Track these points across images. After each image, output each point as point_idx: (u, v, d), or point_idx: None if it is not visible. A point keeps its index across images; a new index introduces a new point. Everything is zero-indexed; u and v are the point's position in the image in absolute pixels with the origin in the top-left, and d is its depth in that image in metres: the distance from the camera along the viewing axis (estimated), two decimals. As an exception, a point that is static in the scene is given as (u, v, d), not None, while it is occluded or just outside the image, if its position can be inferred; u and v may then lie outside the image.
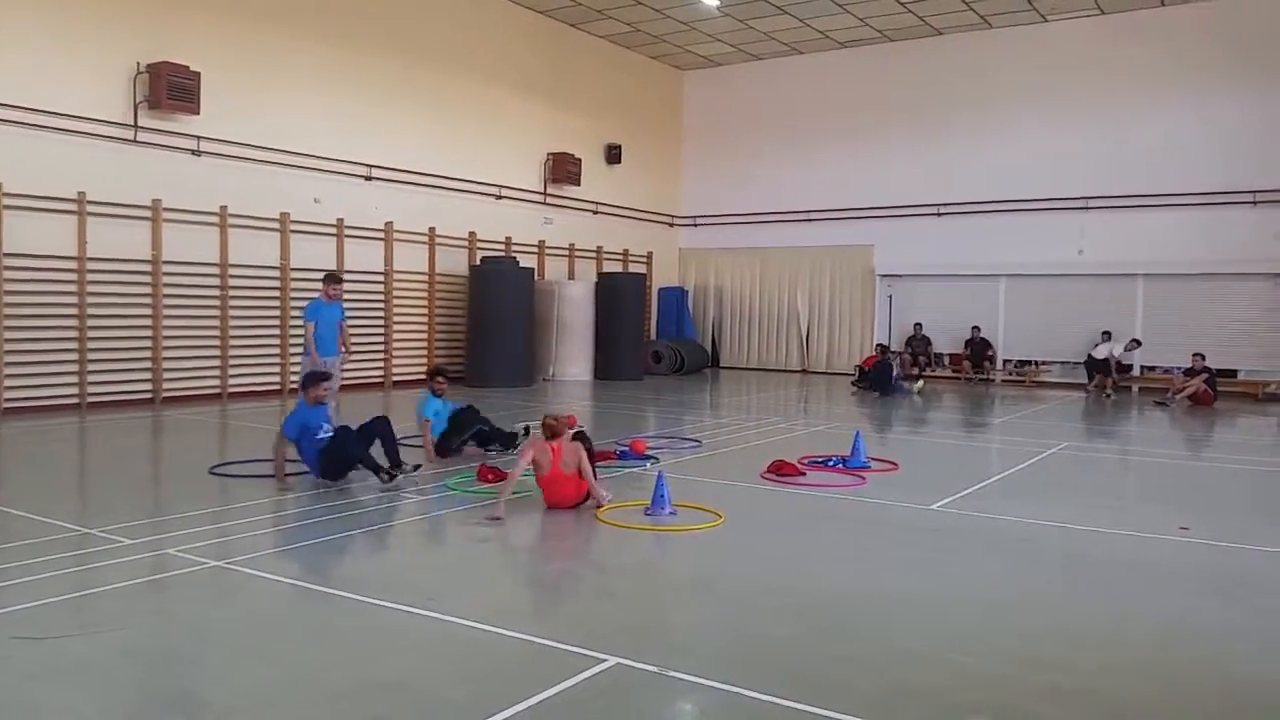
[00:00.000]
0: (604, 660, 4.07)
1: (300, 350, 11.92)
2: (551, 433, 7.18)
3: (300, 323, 12.32)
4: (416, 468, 8.20)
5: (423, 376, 17.33)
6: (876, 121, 21.44)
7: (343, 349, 11.48)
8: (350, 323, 15.86)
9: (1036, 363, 20.04)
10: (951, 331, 20.64)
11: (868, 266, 21.79)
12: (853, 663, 4.24)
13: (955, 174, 20.48)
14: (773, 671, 4.09)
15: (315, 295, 11.26)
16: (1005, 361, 20.22)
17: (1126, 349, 18.25)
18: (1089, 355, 18.54)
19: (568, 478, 7.07)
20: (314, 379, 8.35)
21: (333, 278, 11.46)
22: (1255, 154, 17.73)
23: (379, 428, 8.06)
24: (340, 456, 7.82)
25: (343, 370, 11.88)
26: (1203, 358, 16.67)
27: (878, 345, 20.74)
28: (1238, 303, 18.18)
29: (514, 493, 7.65)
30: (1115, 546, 6.45)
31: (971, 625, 4.76)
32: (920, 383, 18.28)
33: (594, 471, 7.29)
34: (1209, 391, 16.22)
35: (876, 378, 17.51)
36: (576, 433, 7.62)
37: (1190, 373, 16.67)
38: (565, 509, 7.07)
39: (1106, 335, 18.59)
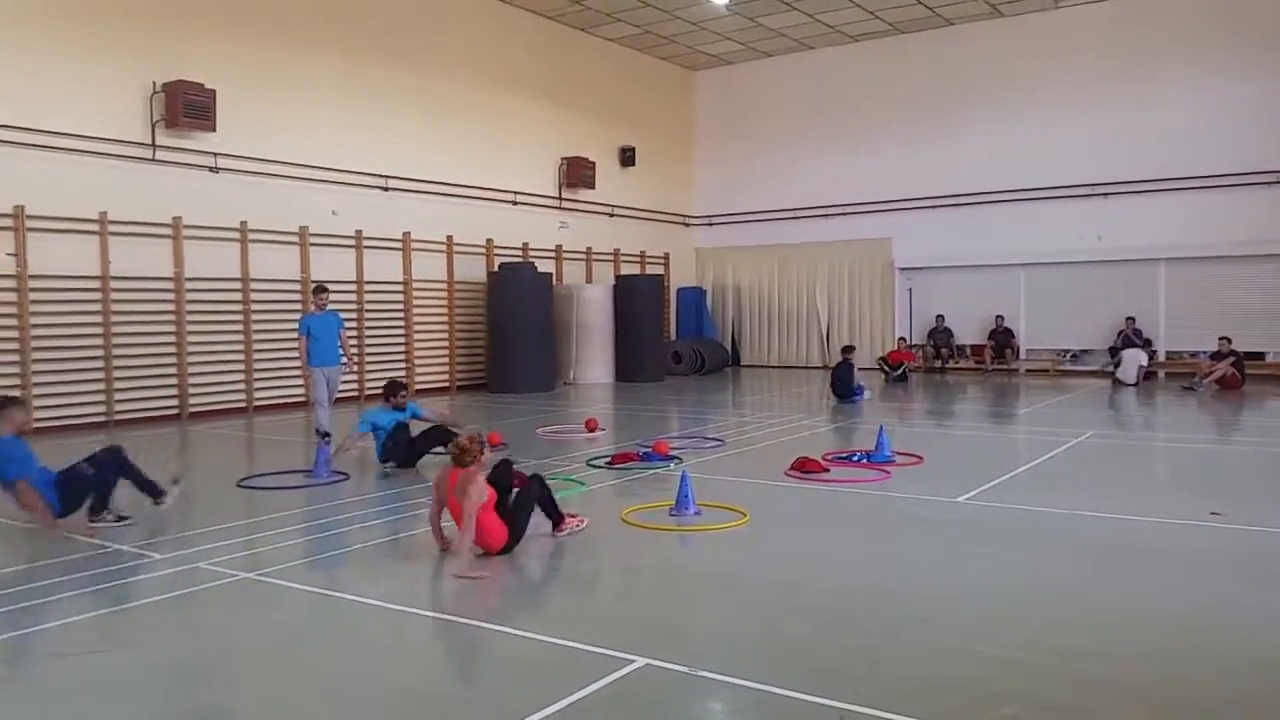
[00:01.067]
0: (633, 661, 4.08)
1: (270, 357, 12.09)
2: (456, 458, 5.91)
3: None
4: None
5: (445, 385, 17.53)
6: (890, 114, 21.35)
7: (344, 358, 11.54)
8: (371, 333, 16.19)
9: (1074, 353, 19.71)
10: (974, 322, 20.51)
11: (887, 260, 21.69)
12: (882, 657, 4.23)
13: (971, 164, 20.36)
14: (802, 668, 4.09)
15: (319, 309, 11.44)
16: (1062, 352, 19.83)
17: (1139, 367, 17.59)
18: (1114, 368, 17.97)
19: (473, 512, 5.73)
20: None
21: (319, 289, 11.54)
22: (1274, 133, 17.52)
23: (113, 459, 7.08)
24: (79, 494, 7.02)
25: (344, 379, 12.03)
26: (1229, 341, 16.50)
27: (901, 339, 20.70)
28: (1263, 284, 17.95)
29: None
30: (1145, 534, 6.39)
31: (1000, 616, 4.73)
32: (900, 371, 17.30)
33: (515, 515, 6.01)
34: (1237, 375, 16.05)
35: (836, 381, 15.23)
36: (501, 462, 6.54)
37: (1217, 356, 16.50)
38: (492, 553, 5.90)
39: (1131, 325, 18.35)
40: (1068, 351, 19.82)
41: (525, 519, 6.12)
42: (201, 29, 13.84)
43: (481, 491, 5.77)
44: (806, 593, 5.18)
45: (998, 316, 20.07)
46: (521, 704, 3.67)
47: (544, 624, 4.64)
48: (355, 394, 15.89)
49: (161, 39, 13.37)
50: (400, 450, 9.19)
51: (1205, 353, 17.25)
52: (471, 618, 4.76)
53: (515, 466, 6.64)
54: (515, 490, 6.26)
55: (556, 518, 6.40)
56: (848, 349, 15.84)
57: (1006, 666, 4.07)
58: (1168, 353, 18.76)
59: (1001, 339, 19.96)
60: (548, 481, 6.46)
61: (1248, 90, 17.79)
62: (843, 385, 14.96)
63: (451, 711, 3.72)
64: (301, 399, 14.98)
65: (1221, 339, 16.61)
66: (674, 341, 22.09)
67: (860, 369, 20.38)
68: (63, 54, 12.47)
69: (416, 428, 9.36)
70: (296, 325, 11.75)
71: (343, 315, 15.57)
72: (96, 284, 12.74)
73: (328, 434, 11.05)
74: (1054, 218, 19.55)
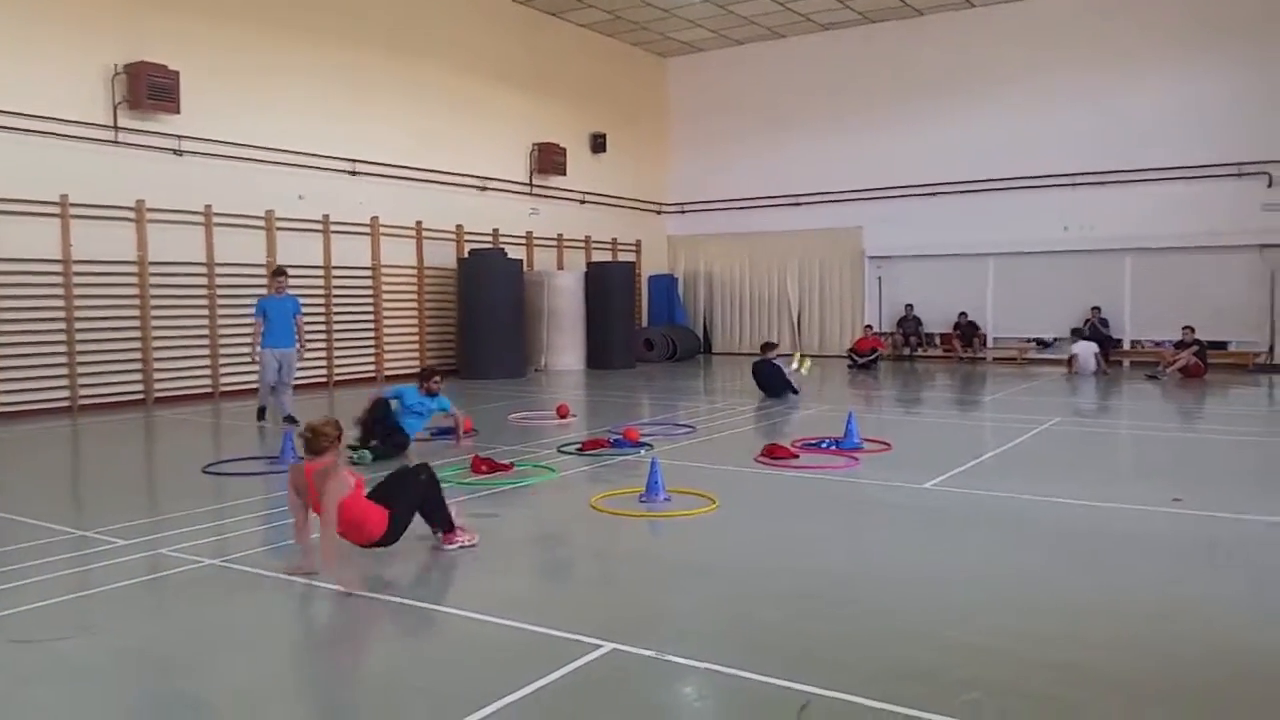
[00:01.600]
0: (600, 646, 4.07)
1: (236, 340, 12.33)
2: (308, 444, 5.26)
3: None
4: None
5: (415, 371, 17.39)
6: (861, 103, 21.42)
7: (299, 343, 11.69)
8: (340, 319, 16.04)
9: (1045, 341, 19.82)
10: (942, 311, 20.67)
11: (857, 249, 21.79)
12: (850, 642, 4.25)
13: (942, 154, 20.47)
14: (770, 653, 4.10)
15: (277, 292, 11.66)
16: (1035, 341, 19.89)
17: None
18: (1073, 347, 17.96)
19: (339, 507, 5.10)
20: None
21: (278, 272, 11.77)
22: (1240, 125, 17.76)
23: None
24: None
25: (301, 364, 12.17)
26: (1192, 330, 16.74)
27: (868, 327, 20.79)
28: (1227, 275, 18.21)
29: (514, 482, 7.67)
30: (1109, 520, 6.47)
31: (967, 602, 4.78)
32: (806, 362, 15.17)
33: (395, 501, 5.46)
34: (1200, 364, 16.29)
35: (764, 379, 13.77)
36: (402, 469, 5.81)
37: (1181, 345, 16.73)
38: (364, 544, 5.40)
39: (1097, 314, 18.56)
40: (1037, 340, 19.97)
41: (407, 503, 5.54)
42: (165, 9, 13.60)
43: (342, 482, 5.13)
44: (775, 578, 5.20)
45: (960, 313, 20.23)
46: (487, 689, 3.66)
47: (511, 609, 4.62)
48: (324, 380, 15.77)
49: (124, 19, 13.13)
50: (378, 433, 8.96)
51: (1169, 342, 17.48)
52: (437, 603, 4.73)
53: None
54: (394, 476, 5.72)
55: (445, 524, 5.70)
56: (767, 345, 14.17)
57: (974, 652, 4.10)
58: (1133, 342, 19.00)
59: (966, 331, 20.13)
60: (437, 477, 5.76)
61: (1216, 82, 18.00)
62: (768, 385, 13.63)
63: (416, 697, 3.70)
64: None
65: (1185, 328, 16.84)
66: (646, 329, 22.09)
67: (832, 357, 20.49)
68: (23, 34, 12.21)
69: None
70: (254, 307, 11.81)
71: (310, 300, 15.62)
72: (58, 268, 12.52)
73: (290, 418, 11.12)
74: (1023, 208, 19.71)
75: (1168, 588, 5.03)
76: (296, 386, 14.60)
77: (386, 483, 5.69)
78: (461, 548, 5.69)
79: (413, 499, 5.60)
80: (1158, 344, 18.23)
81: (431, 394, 9.58)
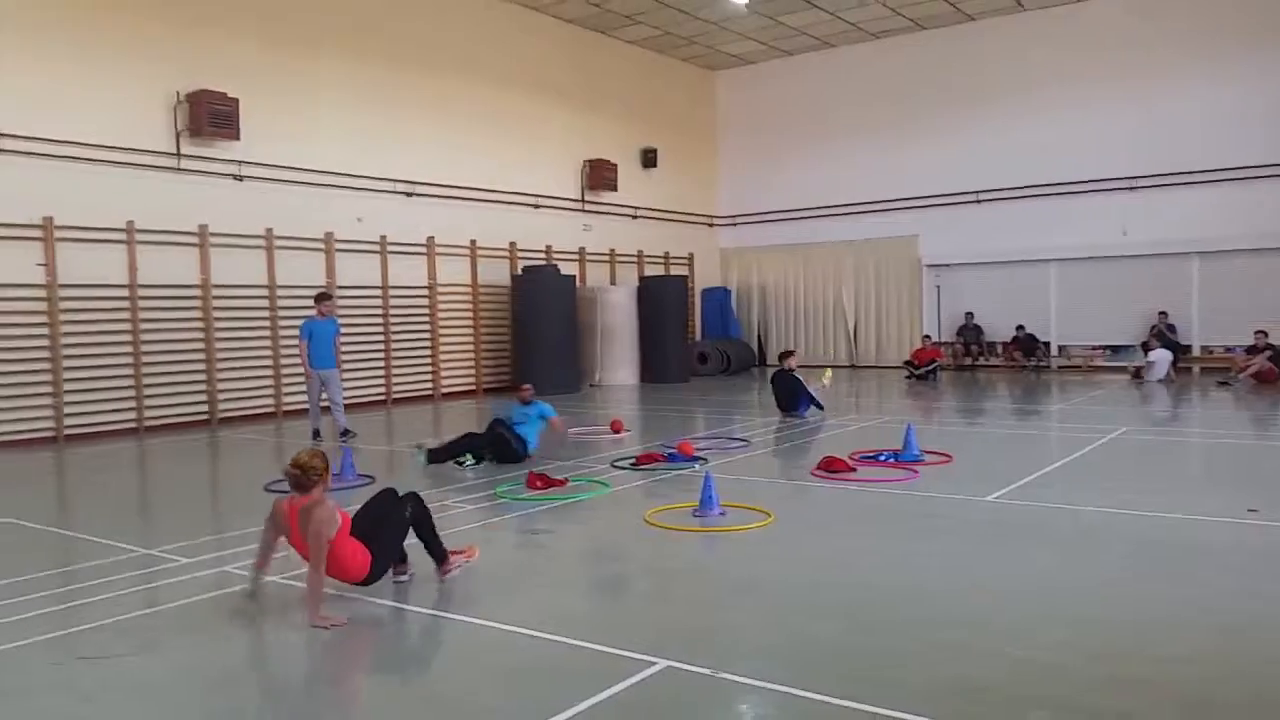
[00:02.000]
0: (655, 664, 4.03)
1: (297, 364, 12.58)
2: (296, 480, 4.95)
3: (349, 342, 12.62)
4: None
5: (471, 388, 17.59)
6: (914, 111, 21.18)
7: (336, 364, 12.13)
8: (398, 337, 16.27)
9: (1112, 348, 19.29)
10: (1004, 319, 20.24)
11: (914, 257, 21.51)
12: (908, 659, 4.15)
13: (997, 159, 20.13)
14: (826, 670, 4.02)
15: (315, 314, 12.08)
16: (1106, 348, 19.37)
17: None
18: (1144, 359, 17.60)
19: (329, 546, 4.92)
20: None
21: (323, 296, 12.20)
22: (1308, 121, 17.21)
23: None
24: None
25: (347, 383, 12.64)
26: (1265, 335, 16.21)
27: (926, 337, 20.49)
28: (1299, 276, 17.61)
29: (568, 497, 7.68)
30: (1179, 532, 6.27)
31: (1031, 617, 4.64)
32: (829, 373, 14.14)
33: (378, 536, 5.14)
34: (1274, 369, 15.78)
35: (781, 392, 12.89)
36: (382, 491, 5.48)
37: (1253, 350, 16.20)
38: (350, 583, 5.14)
39: (1164, 319, 18.05)
40: (1103, 348, 19.43)
41: (392, 541, 5.20)
42: (224, 38, 13.95)
43: (331, 519, 4.88)
44: (832, 593, 5.11)
45: (1018, 326, 19.76)
46: (539, 707, 3.64)
47: (564, 626, 4.60)
48: (383, 398, 15.98)
49: (184, 49, 13.49)
50: (488, 444, 9.47)
51: (1240, 347, 16.94)
52: (493, 620, 4.73)
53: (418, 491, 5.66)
54: (378, 503, 5.44)
55: (440, 555, 5.39)
56: (786, 354, 13.42)
57: (1038, 668, 3.98)
58: (1202, 347, 18.45)
59: (1025, 344, 19.67)
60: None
61: (1273, 79, 17.46)
62: (786, 398, 12.78)
63: (470, 715, 3.69)
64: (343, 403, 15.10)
65: (1258, 333, 16.31)
66: (700, 342, 22.02)
67: (890, 367, 20.19)
68: (87, 65, 12.61)
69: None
70: (299, 330, 12.20)
71: (368, 320, 15.88)
72: (125, 292, 12.87)
73: (347, 431, 11.45)
74: (1084, 212, 19.29)
75: (1241, 601, 4.84)
76: (356, 405, 14.83)
77: (367, 514, 5.31)
78: (461, 567, 5.45)
79: (397, 535, 5.25)
80: (1228, 350, 17.68)
81: (526, 403, 10.00)
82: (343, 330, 12.69)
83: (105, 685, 4.09)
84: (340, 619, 4.78)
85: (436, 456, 9.26)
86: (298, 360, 14.42)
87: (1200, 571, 5.39)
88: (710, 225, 24.06)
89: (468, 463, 9.23)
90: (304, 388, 12.60)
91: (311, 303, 12.45)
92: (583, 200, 20.11)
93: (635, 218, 21.48)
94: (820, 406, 12.74)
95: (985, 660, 4.08)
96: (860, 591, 5.15)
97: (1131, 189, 18.85)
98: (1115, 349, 19.28)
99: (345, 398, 12.42)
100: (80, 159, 12.45)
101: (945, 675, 3.94)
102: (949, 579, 5.36)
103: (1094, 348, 19.60)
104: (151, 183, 13.15)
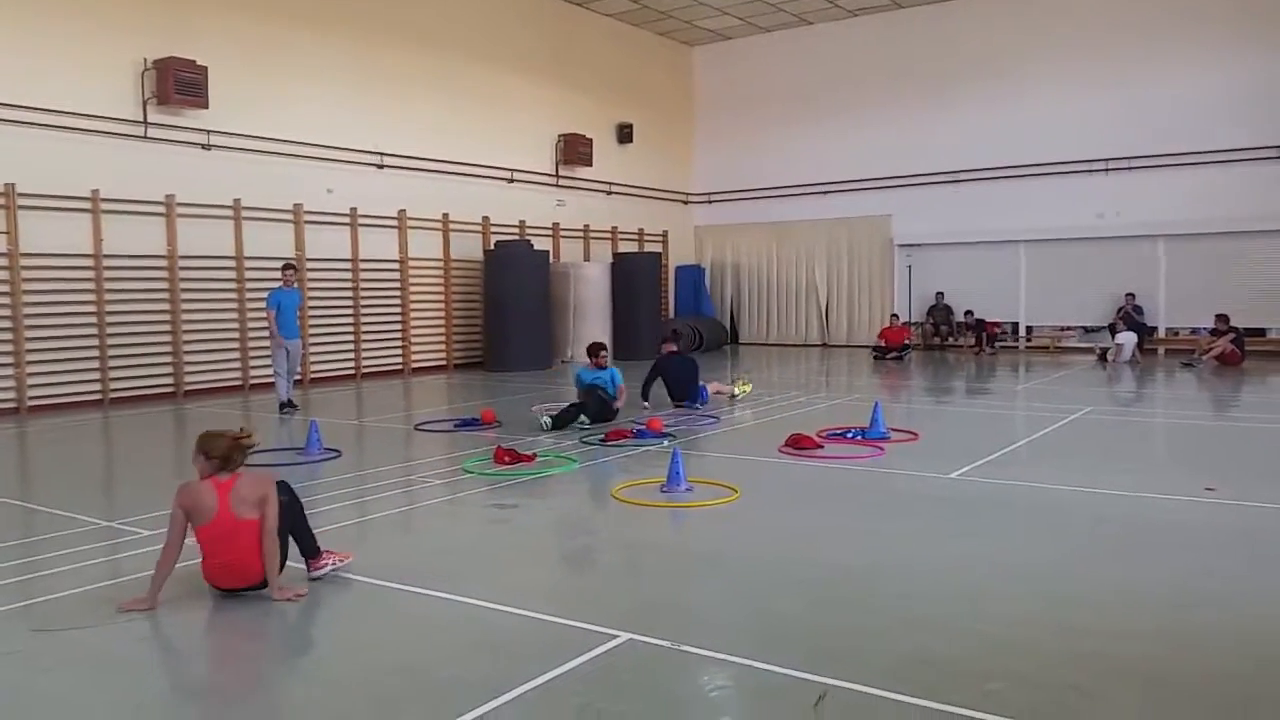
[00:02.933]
0: (616, 636, 4.05)
1: (266, 334, 12.54)
2: (224, 458, 4.75)
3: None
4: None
5: (442, 363, 17.50)
6: (890, 90, 21.19)
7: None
8: (368, 310, 16.15)
9: (1084, 328, 19.52)
10: (974, 300, 20.38)
11: (886, 237, 21.59)
12: (870, 634, 4.20)
13: (972, 140, 20.21)
14: (789, 644, 4.05)
15: (280, 284, 12.09)
16: (1079, 329, 19.58)
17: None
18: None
19: (244, 526, 4.64)
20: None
21: (288, 266, 12.26)
22: (1276, 108, 17.37)
23: None
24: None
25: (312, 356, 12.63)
26: (1226, 319, 16.42)
27: (894, 316, 20.58)
28: (1264, 260, 17.84)
29: (536, 472, 7.68)
30: (1139, 509, 6.36)
31: (989, 592, 4.71)
32: (748, 387, 12.72)
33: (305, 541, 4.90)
34: (1236, 351, 16.01)
35: (675, 378, 11.82)
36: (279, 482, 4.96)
37: (1216, 333, 16.42)
38: (242, 586, 4.72)
39: (1131, 301, 18.21)
40: (1075, 328, 19.62)
41: (286, 536, 4.88)
42: (194, 5, 13.70)
43: (275, 496, 4.70)
44: (796, 569, 5.15)
45: (966, 312, 20.13)
46: (501, 679, 3.65)
47: (529, 600, 4.61)
48: (352, 372, 15.87)
49: (153, 15, 13.24)
50: (593, 409, 10.17)
51: (1205, 329, 17.17)
52: (456, 594, 4.73)
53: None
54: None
55: (309, 550, 4.98)
56: (675, 334, 12.05)
57: (995, 642, 4.04)
58: (1168, 329, 18.68)
59: (975, 328, 19.82)
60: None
61: (1249, 65, 17.63)
62: (680, 388, 11.75)
63: (434, 687, 3.69)
64: (298, 376, 14.96)
65: (1218, 317, 16.53)
66: (672, 319, 22.02)
67: (861, 347, 20.24)
68: (54, 30, 12.34)
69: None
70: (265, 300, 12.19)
71: (338, 293, 15.76)
72: (89, 262, 12.67)
73: (290, 404, 11.62)
74: (1055, 194, 19.43)
75: (1197, 578, 4.93)
76: (324, 379, 14.73)
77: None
78: (334, 569, 5.00)
79: (288, 529, 4.88)
80: (1193, 331, 17.91)
81: (601, 367, 10.64)
82: (308, 303, 12.65)
83: (64, 658, 4.06)
84: (301, 589, 4.77)
85: (560, 422, 9.89)
86: (266, 333, 14.39)
87: (1158, 549, 5.48)
88: (685, 203, 24.01)
89: (585, 423, 10.02)
90: (269, 360, 12.51)
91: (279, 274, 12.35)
92: (557, 175, 19.99)
93: (610, 194, 21.39)
94: (703, 402, 11.66)
95: (945, 634, 4.13)
96: (824, 566, 5.20)
97: (1104, 171, 18.99)
98: (1088, 330, 19.48)
99: (314, 371, 12.37)
100: (44, 125, 12.21)
101: (906, 648, 3.98)
102: (911, 555, 5.42)
103: (1063, 328, 19.79)
104: (117, 151, 12.92)
